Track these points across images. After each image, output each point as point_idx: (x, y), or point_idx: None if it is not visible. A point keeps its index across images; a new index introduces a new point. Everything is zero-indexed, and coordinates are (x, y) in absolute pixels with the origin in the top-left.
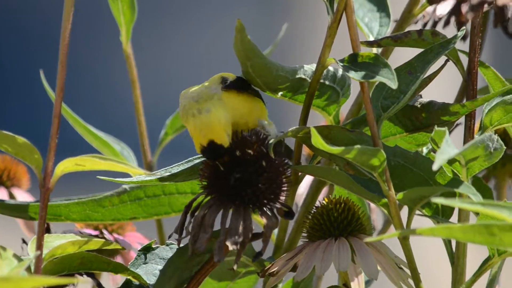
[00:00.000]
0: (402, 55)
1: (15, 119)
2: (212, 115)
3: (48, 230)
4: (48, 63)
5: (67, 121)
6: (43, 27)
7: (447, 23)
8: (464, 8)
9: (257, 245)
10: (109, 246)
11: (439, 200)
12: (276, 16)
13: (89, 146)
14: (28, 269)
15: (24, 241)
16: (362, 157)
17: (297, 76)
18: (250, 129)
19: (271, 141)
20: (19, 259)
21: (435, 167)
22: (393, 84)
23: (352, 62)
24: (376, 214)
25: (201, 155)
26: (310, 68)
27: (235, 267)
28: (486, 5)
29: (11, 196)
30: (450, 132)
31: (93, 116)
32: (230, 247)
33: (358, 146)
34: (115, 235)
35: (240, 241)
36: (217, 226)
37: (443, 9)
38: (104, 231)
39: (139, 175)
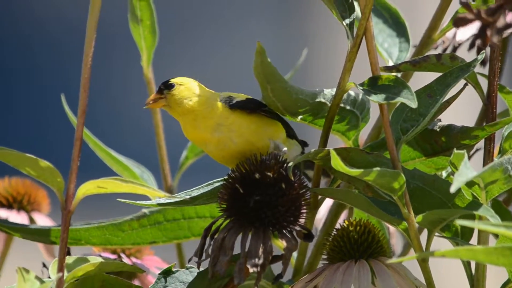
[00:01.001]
0: (422, 79)
1: (30, 140)
2: (197, 83)
3: (68, 253)
4: (66, 86)
5: (85, 143)
6: (54, 48)
7: (472, 46)
8: (490, 31)
9: (276, 268)
10: (129, 268)
11: (462, 222)
12: (295, 40)
13: (107, 169)
14: None
15: (44, 265)
16: (381, 179)
17: (317, 100)
18: (259, 149)
19: (290, 164)
20: (41, 281)
21: (452, 189)
22: (413, 104)
23: (372, 85)
24: (396, 238)
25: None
26: (330, 92)
27: None
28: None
29: (32, 220)
30: (470, 157)
31: (113, 140)
32: (250, 270)
33: (378, 168)
34: (133, 259)
35: (260, 263)
36: (237, 249)
37: (463, 34)
38: (122, 255)
39: (159, 198)
